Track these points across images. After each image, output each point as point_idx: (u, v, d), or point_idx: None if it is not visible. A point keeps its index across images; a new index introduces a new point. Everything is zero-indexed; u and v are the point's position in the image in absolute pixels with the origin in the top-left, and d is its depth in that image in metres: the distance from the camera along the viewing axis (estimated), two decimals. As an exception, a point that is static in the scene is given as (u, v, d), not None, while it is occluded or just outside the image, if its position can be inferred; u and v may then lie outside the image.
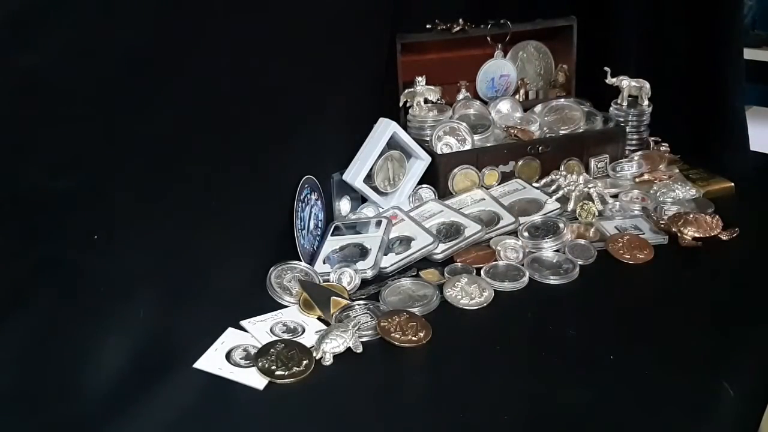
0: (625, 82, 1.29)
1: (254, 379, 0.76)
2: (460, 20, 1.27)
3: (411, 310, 0.87)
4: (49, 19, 0.69)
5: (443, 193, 1.16)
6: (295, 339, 0.83)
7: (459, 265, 0.99)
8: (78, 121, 0.73)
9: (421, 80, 1.22)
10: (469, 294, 0.91)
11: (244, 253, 0.94)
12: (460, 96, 1.30)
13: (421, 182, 1.17)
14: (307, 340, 0.83)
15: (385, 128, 1.12)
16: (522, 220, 1.07)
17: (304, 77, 1.03)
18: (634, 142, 1.30)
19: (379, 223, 1.06)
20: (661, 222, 1.05)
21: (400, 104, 1.23)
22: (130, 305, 0.77)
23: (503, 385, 0.76)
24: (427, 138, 1.19)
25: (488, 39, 1.32)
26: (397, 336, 0.82)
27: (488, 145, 1.22)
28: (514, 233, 1.05)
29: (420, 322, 0.85)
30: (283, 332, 0.84)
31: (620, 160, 1.25)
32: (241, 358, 0.79)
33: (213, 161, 0.89)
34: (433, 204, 1.12)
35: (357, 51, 1.14)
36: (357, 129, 1.14)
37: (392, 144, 1.14)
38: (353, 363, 0.79)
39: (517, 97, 1.35)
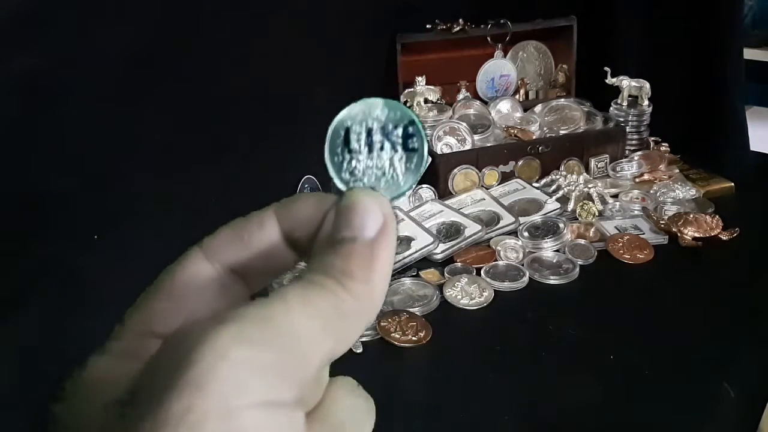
0: (625, 82, 1.28)
1: (254, 379, 0.76)
2: (460, 20, 1.27)
3: (411, 310, 0.87)
4: (49, 19, 0.70)
5: (443, 193, 1.16)
6: (295, 339, 0.83)
7: (459, 265, 0.99)
8: (78, 121, 0.73)
9: (421, 80, 1.22)
10: (469, 294, 0.91)
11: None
12: (460, 96, 1.30)
13: (421, 182, 1.17)
14: (307, 340, 0.82)
15: (385, 128, 1.12)
16: (522, 220, 1.07)
17: (304, 77, 1.03)
18: (634, 142, 1.30)
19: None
20: (661, 222, 1.05)
21: (400, 104, 1.23)
22: (131, 305, 0.77)
23: (503, 385, 0.76)
24: (427, 138, 1.19)
25: (488, 39, 1.32)
26: (397, 336, 0.82)
27: (488, 145, 1.22)
28: (514, 233, 1.06)
29: (420, 322, 0.85)
30: (283, 332, 0.84)
31: (620, 160, 1.25)
32: (241, 358, 0.79)
33: (213, 161, 0.89)
34: (433, 204, 1.12)
35: (357, 51, 1.14)
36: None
37: (392, 144, 1.14)
38: (353, 363, 0.79)
39: (517, 97, 1.35)
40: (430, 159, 1.14)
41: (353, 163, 0.28)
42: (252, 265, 0.28)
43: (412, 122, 0.28)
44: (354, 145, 0.28)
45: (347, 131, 0.29)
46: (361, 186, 0.28)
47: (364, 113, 0.29)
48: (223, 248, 0.28)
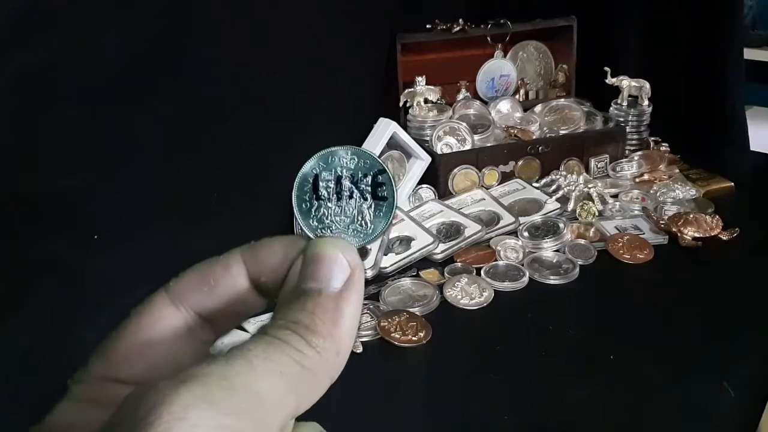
0: (625, 82, 1.29)
1: (254, 379, 0.76)
2: (460, 20, 1.27)
3: (411, 310, 0.87)
4: (49, 19, 0.70)
5: (443, 193, 1.16)
6: (295, 339, 0.83)
7: (459, 265, 0.99)
8: (78, 121, 0.73)
9: (421, 80, 1.22)
10: (469, 294, 0.91)
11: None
12: (460, 96, 1.30)
13: (421, 182, 1.17)
14: (307, 340, 0.83)
15: (385, 128, 1.12)
16: (522, 220, 1.07)
17: (304, 77, 1.03)
18: (634, 142, 1.30)
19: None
20: (661, 222, 1.05)
21: (400, 104, 1.23)
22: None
23: (503, 385, 0.76)
24: (427, 138, 1.19)
25: (488, 39, 1.32)
26: (397, 336, 0.82)
27: (488, 145, 1.22)
28: (514, 233, 1.06)
29: (420, 322, 0.85)
30: (283, 332, 0.84)
31: (620, 160, 1.25)
32: (241, 359, 0.79)
33: (213, 161, 0.89)
34: (433, 204, 1.12)
35: (357, 51, 1.14)
36: (356, 129, 1.15)
37: (392, 144, 1.14)
38: (353, 363, 0.79)
39: (517, 97, 1.35)
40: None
41: (321, 210, 0.29)
42: (218, 310, 0.28)
43: (381, 171, 0.28)
44: (322, 192, 0.29)
45: (316, 178, 0.29)
46: (329, 234, 0.28)
47: (333, 160, 0.29)
48: (190, 292, 0.28)
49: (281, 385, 0.22)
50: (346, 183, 0.28)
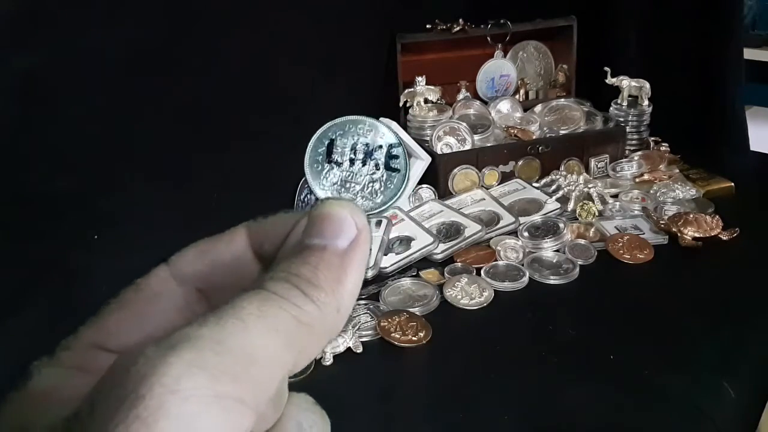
0: (625, 82, 1.29)
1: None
2: (460, 20, 1.27)
3: (411, 310, 0.87)
4: (49, 19, 0.70)
5: (443, 193, 1.16)
6: (295, 339, 0.83)
7: (459, 265, 0.99)
8: (78, 121, 0.73)
9: (421, 80, 1.22)
10: (469, 294, 0.91)
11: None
12: (460, 96, 1.30)
13: (421, 182, 1.17)
14: (307, 340, 0.82)
15: (385, 128, 1.12)
16: (522, 220, 1.07)
17: (304, 77, 1.03)
18: (634, 142, 1.30)
19: (379, 223, 1.05)
20: (661, 222, 1.05)
21: (400, 104, 1.23)
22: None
23: (503, 385, 0.76)
24: (427, 138, 1.19)
25: (488, 39, 1.32)
26: (397, 336, 0.82)
27: (488, 145, 1.22)
28: (514, 233, 1.06)
29: (420, 322, 0.85)
30: (283, 332, 0.84)
31: (620, 160, 1.25)
32: (241, 358, 0.79)
33: (213, 161, 0.89)
34: (433, 204, 1.12)
35: (357, 51, 1.14)
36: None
37: (392, 144, 1.14)
38: (353, 363, 0.79)
39: (517, 97, 1.35)
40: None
41: (333, 173, 0.29)
42: (220, 285, 0.27)
43: (397, 144, 0.29)
44: (336, 157, 0.29)
45: (331, 143, 0.29)
46: (338, 196, 0.28)
47: (350, 128, 0.29)
48: (191, 267, 0.27)
49: (277, 343, 0.21)
50: (360, 152, 0.29)
